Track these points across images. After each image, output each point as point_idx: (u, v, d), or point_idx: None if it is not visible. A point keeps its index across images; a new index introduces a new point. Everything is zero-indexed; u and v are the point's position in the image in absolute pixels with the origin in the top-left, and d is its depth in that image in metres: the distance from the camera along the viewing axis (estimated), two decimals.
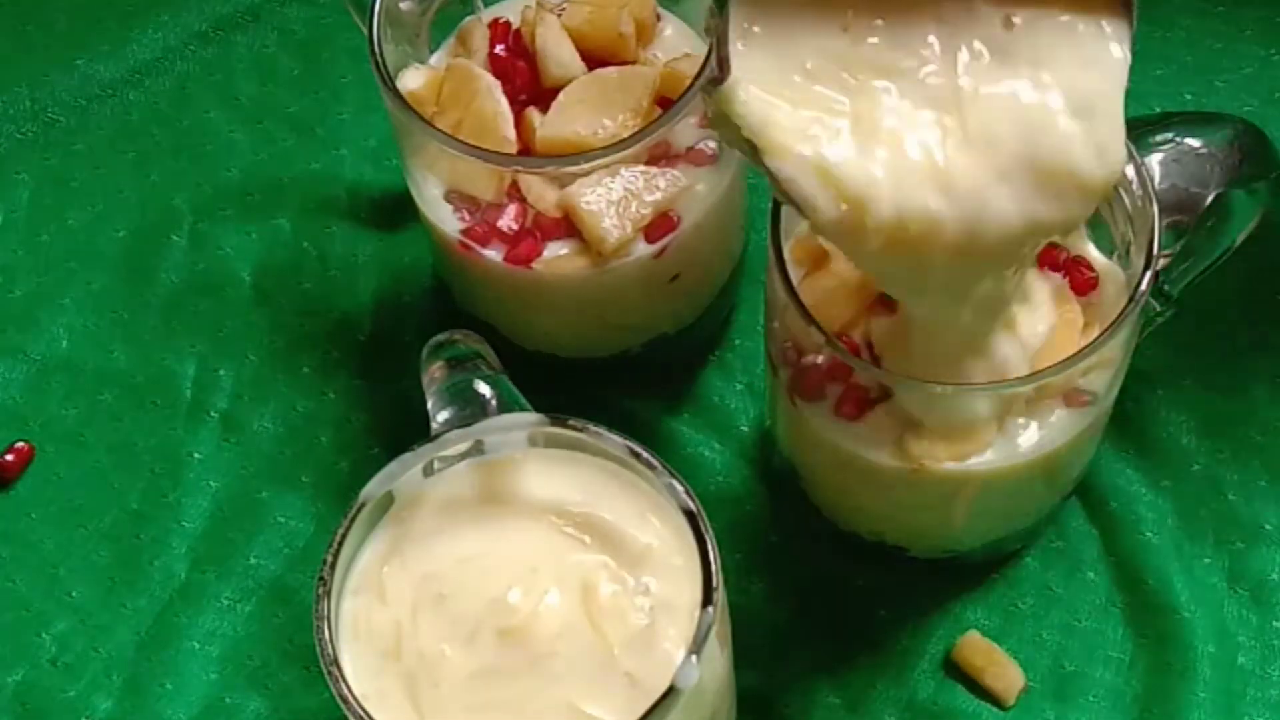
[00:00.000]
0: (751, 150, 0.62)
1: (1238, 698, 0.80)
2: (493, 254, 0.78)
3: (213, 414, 0.88)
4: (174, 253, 0.92)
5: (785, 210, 0.70)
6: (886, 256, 0.63)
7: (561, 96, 0.78)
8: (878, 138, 0.62)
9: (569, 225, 0.77)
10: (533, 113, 0.78)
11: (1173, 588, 0.81)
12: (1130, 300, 0.68)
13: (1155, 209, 0.69)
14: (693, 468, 0.85)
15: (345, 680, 0.64)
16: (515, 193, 0.77)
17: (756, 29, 0.63)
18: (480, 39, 0.81)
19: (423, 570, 0.67)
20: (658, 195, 0.77)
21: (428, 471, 0.69)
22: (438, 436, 0.69)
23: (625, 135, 0.76)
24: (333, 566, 0.66)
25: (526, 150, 0.78)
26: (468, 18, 0.82)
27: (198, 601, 0.84)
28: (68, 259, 0.92)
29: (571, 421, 0.68)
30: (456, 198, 0.79)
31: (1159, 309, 0.76)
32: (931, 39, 0.63)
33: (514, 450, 0.69)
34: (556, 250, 0.78)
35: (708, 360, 0.88)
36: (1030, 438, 0.72)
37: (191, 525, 0.86)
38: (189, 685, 0.82)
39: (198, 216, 0.93)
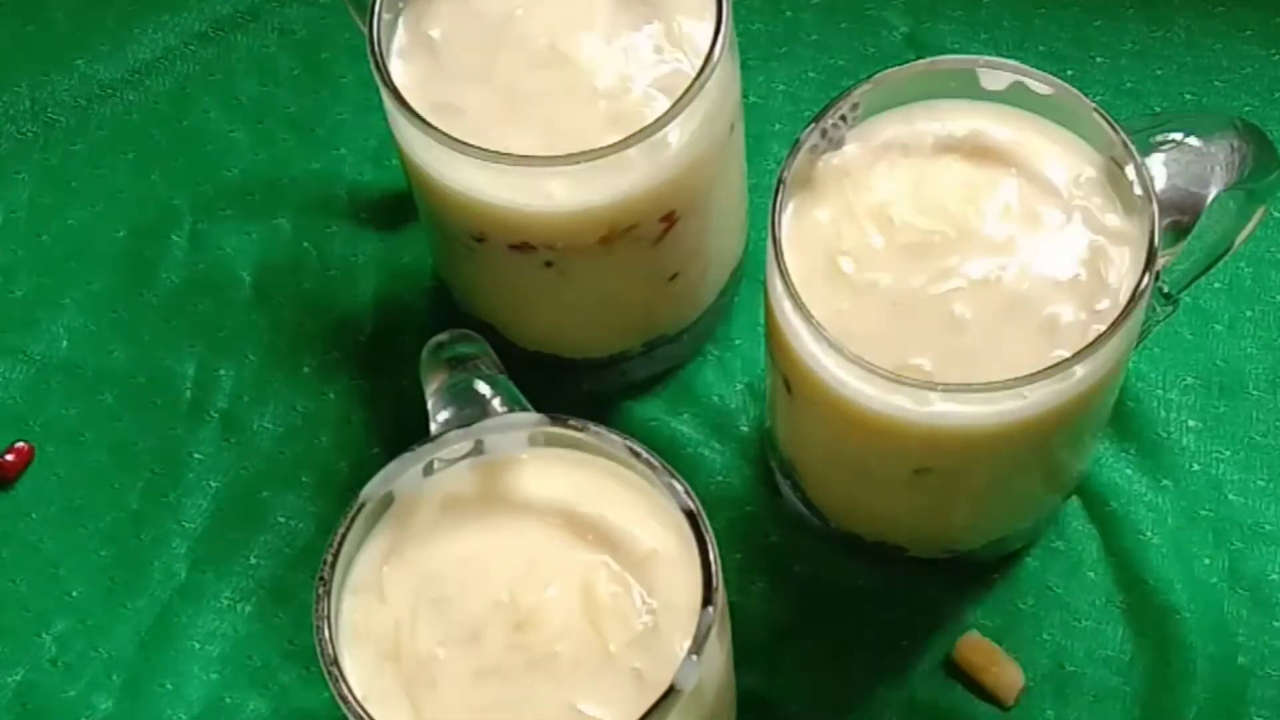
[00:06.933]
0: None
1: (1237, 698, 0.80)
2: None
3: (213, 414, 0.88)
4: (174, 253, 0.92)
5: (785, 208, 0.70)
6: None
7: None
8: None
9: None
10: None
11: (1173, 588, 0.81)
12: (1130, 300, 0.68)
13: (1155, 209, 0.69)
14: (693, 468, 0.85)
15: (345, 680, 0.64)
16: None
17: None
18: None
19: (423, 570, 0.67)
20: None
21: (428, 471, 0.69)
22: (438, 436, 0.69)
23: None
24: (333, 566, 0.66)
25: None
26: None
27: (198, 601, 0.84)
28: (68, 259, 0.92)
29: (571, 421, 0.68)
30: None
31: (1159, 309, 0.76)
32: None
33: (514, 450, 0.69)
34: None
35: (708, 360, 0.88)
36: None
37: (191, 525, 0.86)
38: (189, 685, 0.82)
39: (198, 216, 0.93)
